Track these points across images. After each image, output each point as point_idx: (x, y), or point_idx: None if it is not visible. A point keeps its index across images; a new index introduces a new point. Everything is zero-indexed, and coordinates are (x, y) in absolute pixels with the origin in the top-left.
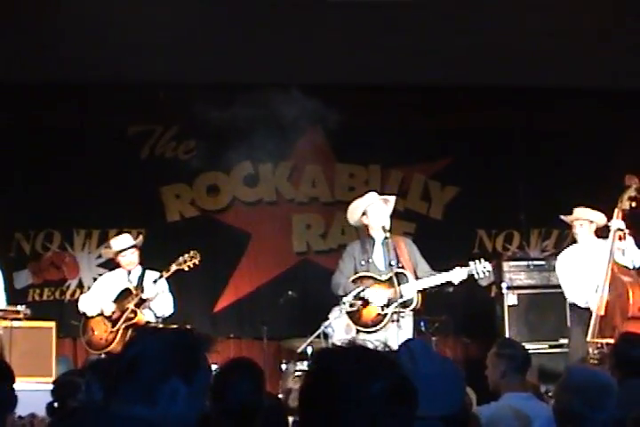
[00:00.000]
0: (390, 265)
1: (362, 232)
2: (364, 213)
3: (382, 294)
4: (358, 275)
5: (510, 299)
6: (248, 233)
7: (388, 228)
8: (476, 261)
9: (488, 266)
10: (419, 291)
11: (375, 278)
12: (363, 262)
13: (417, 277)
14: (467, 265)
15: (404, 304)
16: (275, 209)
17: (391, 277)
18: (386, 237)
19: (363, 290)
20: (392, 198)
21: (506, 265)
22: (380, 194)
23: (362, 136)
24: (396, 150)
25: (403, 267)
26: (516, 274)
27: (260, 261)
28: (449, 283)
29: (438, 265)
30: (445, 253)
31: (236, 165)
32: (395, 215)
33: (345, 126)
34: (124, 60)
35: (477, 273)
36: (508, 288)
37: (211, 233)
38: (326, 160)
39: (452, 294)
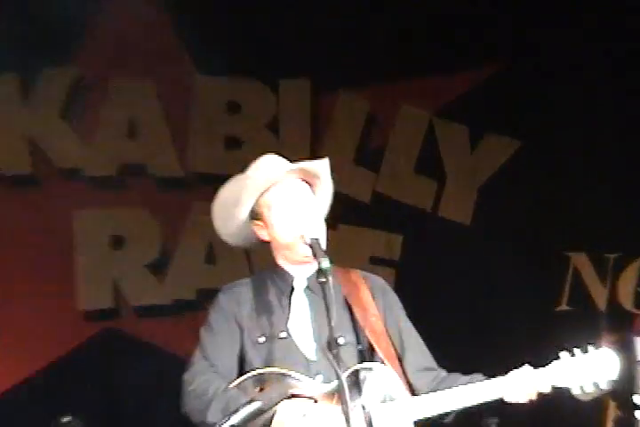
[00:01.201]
0: (338, 345)
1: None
2: (256, 214)
3: None
4: (255, 373)
5: None
6: None
7: (323, 249)
8: (575, 351)
9: (611, 367)
10: (419, 424)
11: (301, 382)
12: (262, 339)
13: (409, 383)
14: (543, 355)
15: None
16: (25, 195)
17: (340, 385)
18: (321, 272)
19: (260, 412)
20: (324, 171)
21: None
22: (309, 157)
23: (261, 9)
24: (351, 46)
25: (372, 350)
26: None
27: None
28: (495, 404)
29: (461, 345)
30: (484, 314)
31: None
32: (347, 215)
33: None
34: None
35: (581, 388)
36: None
37: None
38: (170, 67)
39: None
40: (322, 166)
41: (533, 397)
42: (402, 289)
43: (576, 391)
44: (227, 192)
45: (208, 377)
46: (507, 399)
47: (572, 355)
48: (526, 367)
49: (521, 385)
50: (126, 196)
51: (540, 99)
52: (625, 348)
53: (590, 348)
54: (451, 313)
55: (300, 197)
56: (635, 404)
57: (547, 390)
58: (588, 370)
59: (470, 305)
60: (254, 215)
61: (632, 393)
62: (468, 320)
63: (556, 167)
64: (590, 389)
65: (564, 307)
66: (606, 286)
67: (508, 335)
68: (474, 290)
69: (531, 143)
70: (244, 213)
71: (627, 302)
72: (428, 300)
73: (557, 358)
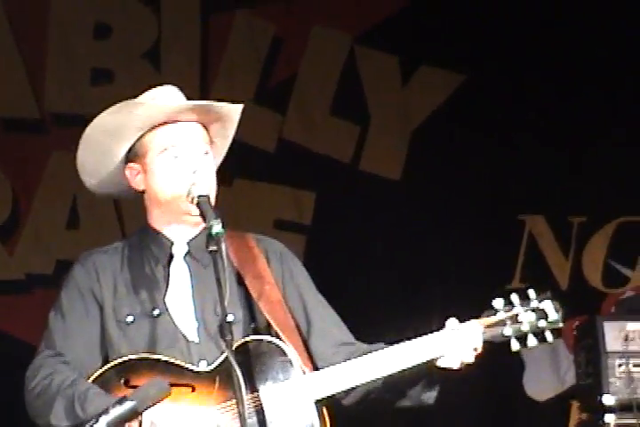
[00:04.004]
0: (228, 323)
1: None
2: (134, 154)
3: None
4: (118, 362)
5: None
6: None
7: (210, 202)
8: (515, 296)
9: (554, 315)
10: (322, 403)
11: (179, 370)
12: (130, 318)
13: (312, 360)
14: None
15: None
16: None
17: (222, 367)
18: (211, 238)
19: (134, 414)
20: (235, 118)
21: (612, 334)
22: (199, 94)
23: None
24: None
25: (269, 329)
26: None
27: None
28: (426, 370)
29: (386, 331)
30: (415, 293)
31: None
32: (245, 168)
33: None
34: None
35: (520, 329)
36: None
37: None
38: None
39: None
40: (235, 112)
41: (470, 357)
42: (313, 260)
43: (515, 346)
44: (107, 119)
45: (53, 369)
46: (440, 362)
47: (508, 303)
48: (452, 320)
49: (450, 341)
50: None
51: (489, 20)
52: (591, 335)
53: (531, 294)
54: (374, 292)
55: (196, 144)
56: (603, 405)
57: (479, 344)
58: (527, 319)
59: (398, 281)
60: (131, 156)
61: (599, 393)
62: (395, 301)
63: (507, 108)
64: (533, 342)
65: (516, 284)
66: (569, 258)
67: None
68: (403, 262)
69: (477, 77)
70: (123, 149)
71: (594, 277)
72: (346, 274)
73: (490, 307)
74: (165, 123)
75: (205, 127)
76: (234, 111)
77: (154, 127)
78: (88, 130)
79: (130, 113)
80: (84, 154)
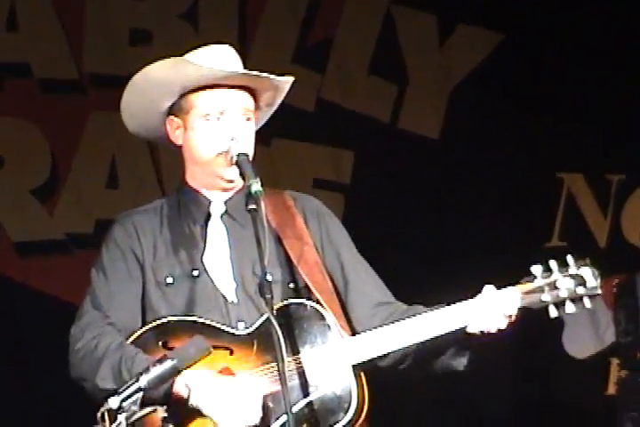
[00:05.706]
0: (267, 281)
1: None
2: (179, 108)
3: (238, 387)
4: (157, 323)
5: None
6: None
7: (249, 161)
8: (553, 262)
9: (592, 282)
10: (360, 368)
11: (218, 332)
12: (170, 279)
13: (351, 326)
14: (521, 277)
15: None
16: None
17: (260, 330)
18: (250, 197)
19: (175, 373)
20: (284, 91)
21: None
22: (241, 62)
23: None
24: None
25: (308, 290)
26: None
27: None
28: (458, 336)
29: (425, 290)
30: (455, 251)
31: None
32: (284, 127)
33: None
34: None
35: (558, 296)
36: None
37: None
38: None
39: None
40: (286, 84)
41: (504, 324)
42: (352, 219)
43: (553, 313)
44: (157, 72)
45: (99, 331)
46: (470, 329)
47: (546, 269)
48: (489, 287)
49: (487, 308)
50: (4, 102)
51: None
52: (630, 293)
53: (570, 260)
54: (413, 250)
55: (240, 111)
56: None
57: (515, 311)
58: (565, 286)
59: (438, 240)
60: (174, 109)
61: (639, 350)
62: (434, 259)
63: (546, 66)
64: (571, 308)
65: (555, 242)
66: (607, 217)
67: (485, 278)
68: (442, 221)
69: (515, 36)
70: (166, 102)
71: (633, 235)
72: (385, 233)
73: (528, 273)
74: (213, 85)
75: (252, 93)
76: (285, 83)
77: (202, 87)
78: (137, 76)
79: (181, 71)
80: (129, 98)
